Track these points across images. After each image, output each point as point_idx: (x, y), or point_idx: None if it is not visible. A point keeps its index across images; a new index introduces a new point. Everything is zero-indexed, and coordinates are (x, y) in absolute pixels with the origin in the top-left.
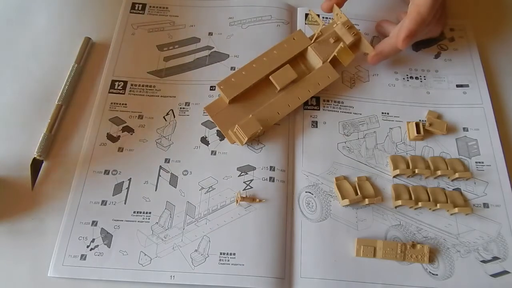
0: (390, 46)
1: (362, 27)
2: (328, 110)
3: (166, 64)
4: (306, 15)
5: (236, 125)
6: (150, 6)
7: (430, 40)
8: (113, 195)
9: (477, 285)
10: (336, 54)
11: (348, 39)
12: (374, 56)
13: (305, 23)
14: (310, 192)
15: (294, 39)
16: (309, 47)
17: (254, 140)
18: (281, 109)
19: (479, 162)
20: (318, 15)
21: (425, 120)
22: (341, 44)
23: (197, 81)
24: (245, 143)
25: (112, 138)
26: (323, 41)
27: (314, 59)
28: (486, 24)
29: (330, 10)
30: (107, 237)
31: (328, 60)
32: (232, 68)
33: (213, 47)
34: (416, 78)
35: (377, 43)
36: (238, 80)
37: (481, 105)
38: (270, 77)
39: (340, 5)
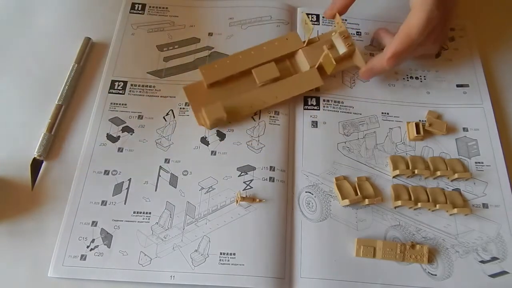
0: (381, 63)
1: (363, 27)
2: (328, 110)
3: (166, 64)
4: (306, 15)
5: (203, 108)
6: (150, 6)
7: None
8: (113, 195)
9: (476, 285)
10: (321, 61)
11: (342, 49)
12: (365, 72)
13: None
14: (310, 192)
15: (287, 39)
16: (300, 50)
17: (254, 140)
18: (256, 104)
19: (479, 162)
20: (318, 16)
21: (425, 120)
22: (326, 52)
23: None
24: (212, 128)
25: (112, 138)
26: (316, 46)
27: (303, 62)
28: (486, 24)
29: (333, 17)
30: (107, 237)
31: (316, 66)
32: None
33: (213, 48)
34: (416, 78)
35: (377, 42)
36: (221, 67)
37: (481, 105)
38: (252, 71)
39: (342, 13)
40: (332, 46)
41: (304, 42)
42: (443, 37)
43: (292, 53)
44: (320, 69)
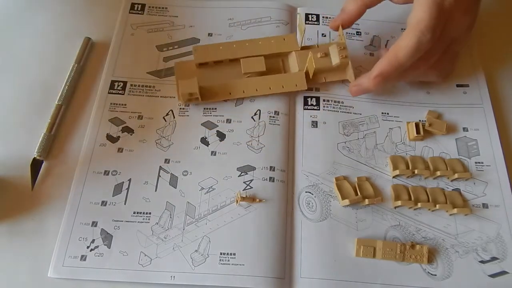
0: (367, 81)
1: (363, 27)
2: (328, 110)
3: (165, 65)
4: (306, 15)
5: (179, 81)
6: (149, 6)
7: None
8: (113, 196)
9: (476, 285)
10: (307, 64)
11: (335, 60)
12: (353, 87)
13: (305, 23)
14: (310, 192)
15: (284, 39)
16: (294, 51)
17: (254, 140)
18: (235, 92)
19: (479, 162)
20: (318, 16)
21: (425, 120)
22: (310, 55)
23: None
24: (186, 102)
25: (111, 139)
26: (311, 52)
27: (293, 64)
28: (486, 24)
29: (337, 29)
30: (107, 238)
31: (304, 70)
32: None
33: None
34: None
35: (377, 42)
36: (213, 51)
37: (481, 105)
38: (241, 60)
39: (345, 27)
40: (326, 55)
41: (299, 46)
42: (446, 66)
43: (286, 54)
44: (308, 74)
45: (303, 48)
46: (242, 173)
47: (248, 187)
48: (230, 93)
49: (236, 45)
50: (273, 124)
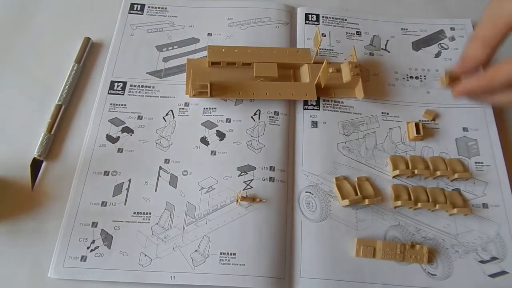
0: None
1: (363, 27)
2: (328, 110)
3: (165, 65)
4: (306, 15)
5: (191, 70)
6: (149, 7)
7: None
8: (113, 196)
9: (476, 285)
10: (320, 74)
11: (346, 77)
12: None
13: (305, 23)
14: (310, 192)
15: (298, 52)
16: (306, 64)
17: (254, 140)
18: (244, 92)
19: (479, 162)
20: (318, 16)
21: (424, 120)
22: (324, 64)
23: None
24: (194, 95)
25: (111, 139)
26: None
27: (304, 75)
28: None
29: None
30: (107, 238)
31: (315, 82)
32: None
33: None
34: (416, 77)
35: (377, 42)
36: (227, 52)
37: (481, 105)
38: (253, 63)
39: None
40: (338, 71)
41: (312, 59)
42: None
43: (298, 65)
44: (318, 86)
45: (315, 62)
46: (242, 173)
47: (248, 187)
48: (239, 93)
49: (251, 50)
50: (273, 124)
